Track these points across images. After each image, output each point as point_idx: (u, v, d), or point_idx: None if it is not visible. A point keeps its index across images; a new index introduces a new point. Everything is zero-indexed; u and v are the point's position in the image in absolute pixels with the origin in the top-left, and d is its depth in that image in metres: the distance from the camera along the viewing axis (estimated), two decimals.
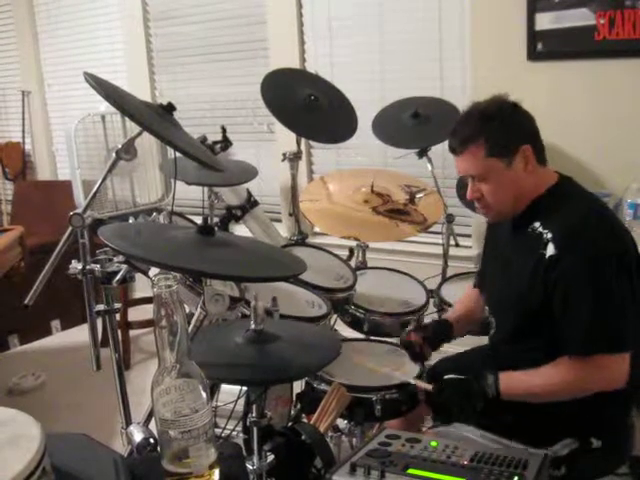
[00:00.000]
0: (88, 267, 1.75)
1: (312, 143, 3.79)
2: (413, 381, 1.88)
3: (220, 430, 2.15)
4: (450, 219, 2.84)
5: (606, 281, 1.57)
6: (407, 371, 1.99)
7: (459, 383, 1.76)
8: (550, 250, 1.61)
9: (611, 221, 1.70)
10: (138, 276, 1.88)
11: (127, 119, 3.87)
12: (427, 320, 2.45)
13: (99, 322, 1.84)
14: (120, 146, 1.73)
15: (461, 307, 2.16)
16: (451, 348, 2.19)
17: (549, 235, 1.63)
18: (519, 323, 1.75)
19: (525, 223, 1.72)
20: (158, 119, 1.71)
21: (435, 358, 2.11)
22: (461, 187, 2.82)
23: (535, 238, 1.66)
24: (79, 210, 1.71)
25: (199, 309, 1.71)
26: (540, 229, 1.66)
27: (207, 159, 1.78)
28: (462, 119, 1.74)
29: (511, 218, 1.79)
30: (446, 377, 1.81)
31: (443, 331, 2.06)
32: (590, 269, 1.57)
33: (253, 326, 1.44)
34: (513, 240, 1.79)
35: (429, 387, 1.80)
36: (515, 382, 1.68)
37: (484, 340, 2.10)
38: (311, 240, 3.36)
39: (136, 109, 1.68)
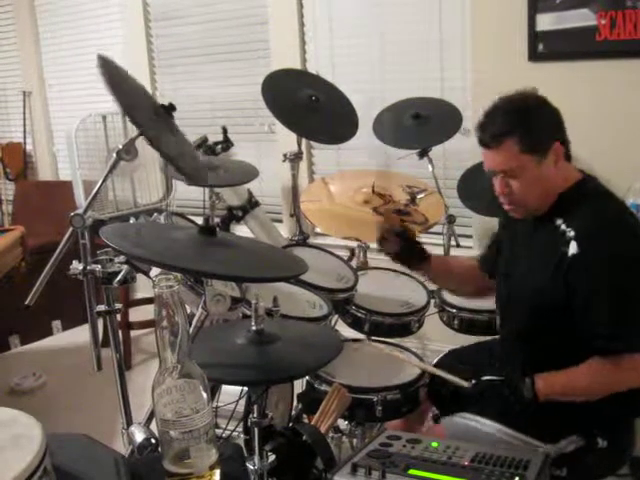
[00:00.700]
0: (89, 267, 1.75)
1: (313, 143, 3.78)
2: (450, 378, 1.81)
3: (221, 431, 2.15)
4: (451, 220, 2.84)
5: (629, 281, 1.57)
6: (409, 371, 1.99)
7: (497, 386, 1.71)
8: (573, 248, 1.59)
9: (634, 222, 1.69)
10: (139, 276, 1.88)
11: (127, 119, 3.88)
12: (427, 318, 2.46)
13: (100, 322, 1.84)
14: (121, 146, 1.73)
15: (456, 266, 2.19)
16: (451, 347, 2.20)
17: (572, 233, 1.61)
18: (534, 319, 1.73)
19: (548, 219, 1.70)
20: (156, 121, 1.71)
21: (442, 352, 2.11)
22: (462, 187, 2.83)
23: (558, 235, 1.64)
24: (80, 210, 1.71)
25: (200, 309, 1.71)
26: (563, 227, 1.64)
27: (193, 171, 1.77)
28: (493, 112, 1.69)
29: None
30: (484, 378, 1.75)
31: (419, 250, 2.05)
32: (613, 269, 1.57)
33: (254, 326, 1.44)
34: (534, 235, 1.76)
35: (465, 384, 1.75)
36: (552, 383, 1.65)
37: (485, 339, 2.10)
38: (312, 241, 3.36)
39: (138, 110, 1.68)
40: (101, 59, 1.63)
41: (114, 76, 1.66)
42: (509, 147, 1.63)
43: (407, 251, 2.04)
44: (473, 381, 1.76)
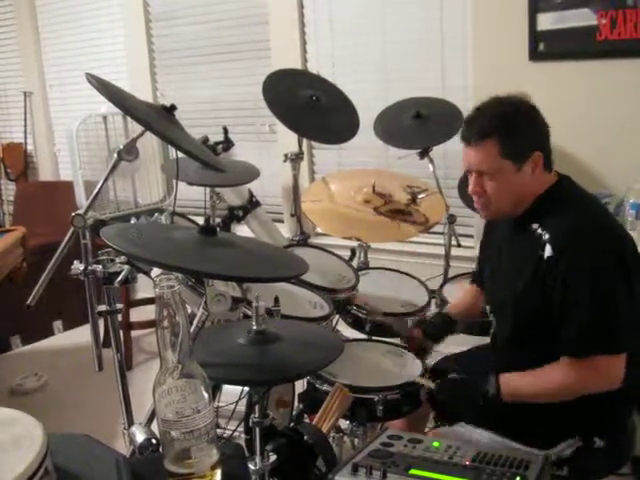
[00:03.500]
0: (90, 268, 1.75)
1: (314, 144, 3.79)
2: (416, 379, 1.89)
3: (222, 431, 2.15)
4: (452, 219, 2.83)
5: (603, 282, 1.57)
6: (410, 370, 1.99)
7: (460, 382, 1.78)
8: (548, 251, 1.61)
9: (609, 221, 1.70)
10: (140, 276, 1.88)
11: (129, 120, 3.89)
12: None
13: (101, 323, 1.84)
14: (122, 147, 1.73)
15: (460, 301, 2.20)
16: (451, 349, 2.19)
17: (547, 236, 1.63)
18: (518, 324, 1.75)
19: (524, 224, 1.72)
20: (160, 120, 1.72)
21: (436, 357, 2.12)
22: (463, 187, 2.82)
23: (534, 239, 1.66)
24: (81, 211, 1.71)
25: (201, 309, 1.71)
26: (539, 230, 1.66)
27: (210, 160, 1.79)
28: (482, 110, 1.71)
29: (511, 218, 1.78)
30: (449, 376, 1.82)
31: (444, 324, 2.11)
32: (587, 270, 1.57)
33: (255, 327, 1.44)
34: (512, 240, 1.79)
35: (431, 385, 1.81)
36: (515, 383, 1.69)
37: (484, 340, 2.10)
38: (313, 240, 3.36)
39: (140, 110, 1.68)
40: (89, 76, 1.63)
41: (107, 85, 1.66)
42: (489, 148, 1.65)
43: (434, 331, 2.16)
44: (438, 381, 1.82)
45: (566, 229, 1.62)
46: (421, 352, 2.10)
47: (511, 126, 1.65)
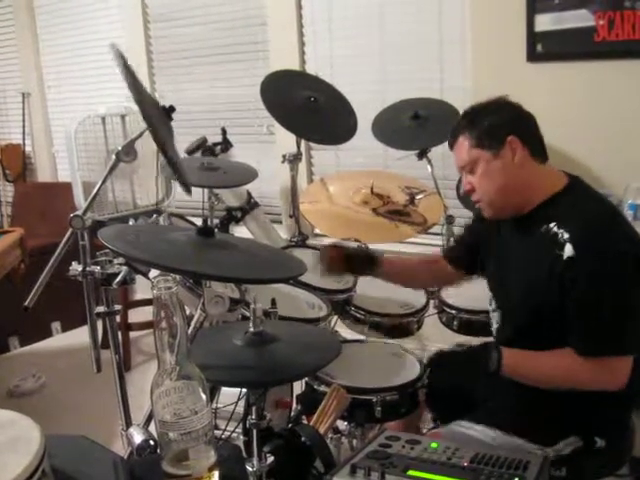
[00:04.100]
0: (88, 269, 1.75)
1: (312, 144, 3.79)
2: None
3: (220, 432, 2.14)
4: (450, 220, 2.83)
5: (622, 282, 1.57)
6: (408, 371, 1.99)
7: (458, 354, 1.78)
8: (568, 251, 1.59)
9: (624, 222, 1.70)
10: (138, 278, 1.88)
11: (127, 121, 3.89)
12: (426, 319, 2.47)
13: (99, 324, 1.84)
14: (120, 148, 1.73)
15: (407, 261, 2.26)
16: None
17: (566, 236, 1.61)
18: (529, 323, 1.73)
19: (538, 223, 1.70)
20: (160, 122, 1.71)
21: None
22: (462, 188, 2.83)
23: (550, 238, 1.64)
24: (79, 212, 1.71)
25: (199, 311, 1.71)
26: (555, 229, 1.64)
27: (186, 177, 1.73)
28: (459, 117, 1.81)
29: (518, 218, 1.77)
30: (447, 349, 1.83)
31: (366, 258, 2.11)
32: (607, 270, 1.57)
33: (252, 328, 1.44)
34: (523, 240, 1.76)
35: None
36: (519, 361, 1.68)
37: (483, 340, 2.10)
38: (311, 241, 3.36)
39: (150, 111, 1.68)
40: (116, 51, 1.62)
41: (128, 69, 1.65)
42: (461, 143, 1.74)
43: (355, 261, 2.11)
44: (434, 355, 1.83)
45: (587, 229, 1.62)
46: (331, 270, 2.12)
47: (476, 118, 1.73)
